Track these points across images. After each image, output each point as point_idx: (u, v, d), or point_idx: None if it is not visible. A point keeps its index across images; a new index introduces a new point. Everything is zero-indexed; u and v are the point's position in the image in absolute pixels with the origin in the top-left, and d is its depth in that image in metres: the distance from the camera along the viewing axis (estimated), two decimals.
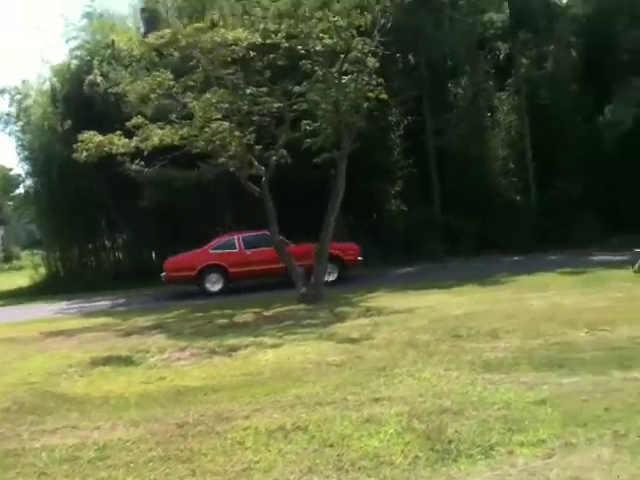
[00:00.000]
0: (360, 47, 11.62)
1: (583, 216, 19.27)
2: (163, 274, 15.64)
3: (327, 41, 10.61)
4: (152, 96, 11.59)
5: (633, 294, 9.99)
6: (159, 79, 11.43)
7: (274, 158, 11.87)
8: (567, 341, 6.64)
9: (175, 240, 20.94)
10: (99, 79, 17.47)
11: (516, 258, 18.21)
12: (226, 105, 10.64)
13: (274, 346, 7.31)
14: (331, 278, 14.77)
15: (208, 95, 10.59)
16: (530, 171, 20.63)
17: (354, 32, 11.02)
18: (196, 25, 10.16)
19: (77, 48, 21.73)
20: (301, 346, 7.15)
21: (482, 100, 20.72)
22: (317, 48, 10.68)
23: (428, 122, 20.19)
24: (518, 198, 20.84)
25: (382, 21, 12.68)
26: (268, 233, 13.57)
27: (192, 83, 10.86)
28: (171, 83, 11.46)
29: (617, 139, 18.84)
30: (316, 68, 11.20)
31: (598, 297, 9.87)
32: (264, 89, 10.93)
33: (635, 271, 12.86)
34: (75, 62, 21.32)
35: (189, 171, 15.31)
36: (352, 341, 7.26)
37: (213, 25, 10.60)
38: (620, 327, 7.16)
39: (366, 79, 12.02)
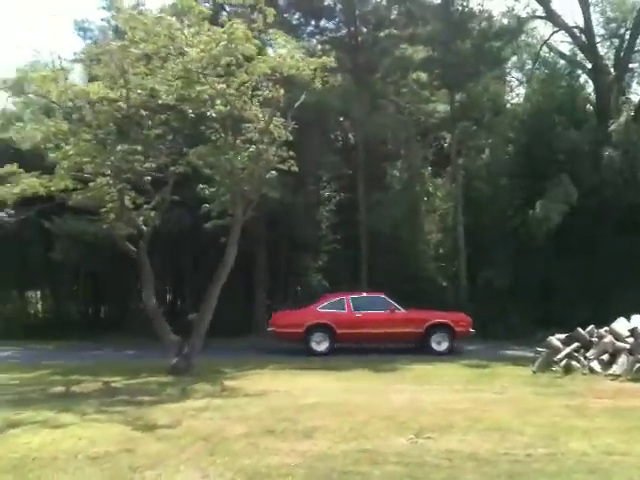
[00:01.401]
0: (265, 119, 11.46)
1: (510, 308, 19.03)
2: (271, 329, 15.38)
3: (219, 107, 10.36)
4: (45, 145, 11.17)
5: (506, 396, 9.44)
6: (52, 129, 11.03)
7: (150, 219, 11.36)
8: (377, 449, 5.98)
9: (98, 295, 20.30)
10: None
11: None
12: (87, 159, 10.21)
13: (58, 426, 6.53)
14: (441, 348, 15.00)
15: (67, 147, 10.19)
16: (461, 259, 20.37)
17: (249, 101, 10.83)
18: (44, 73, 9.87)
19: None
20: (86, 429, 6.40)
21: (418, 185, 20.70)
22: (209, 113, 10.43)
23: (361, 200, 20.01)
24: (447, 285, 20.51)
25: (303, 97, 12.62)
26: (381, 296, 15.05)
27: (61, 135, 10.44)
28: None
29: (550, 235, 18.88)
30: (210, 132, 10.93)
31: (469, 396, 9.30)
32: (138, 147, 10.55)
33: (534, 371, 12.37)
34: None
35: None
36: (151, 428, 6.53)
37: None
38: (449, 436, 6.54)
39: (274, 150, 11.81)
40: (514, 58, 23.52)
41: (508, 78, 22.40)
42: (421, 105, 20.56)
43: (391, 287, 18.84)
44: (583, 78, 23.15)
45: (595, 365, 11.91)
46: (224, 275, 11.50)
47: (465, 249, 20.36)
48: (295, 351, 15.18)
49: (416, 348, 15.19)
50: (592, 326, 12.94)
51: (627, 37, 22.89)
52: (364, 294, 16.16)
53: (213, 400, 8.45)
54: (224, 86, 9.99)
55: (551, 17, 22.75)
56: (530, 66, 23.74)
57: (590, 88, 22.81)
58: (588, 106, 22.29)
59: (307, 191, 16.80)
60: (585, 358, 12.25)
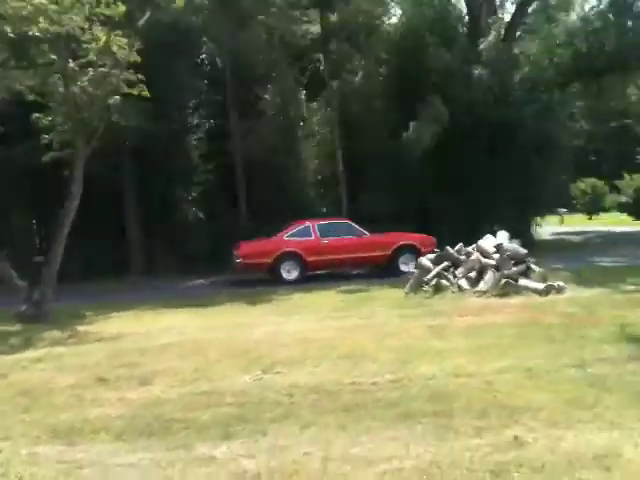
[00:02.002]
0: (105, 39, 10.26)
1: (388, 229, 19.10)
2: (239, 260, 14.94)
3: (44, 26, 9.06)
4: None
5: (371, 321, 9.29)
6: None
7: None
8: (216, 390, 5.53)
9: None
10: None
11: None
12: None
13: None
14: (409, 269, 14.81)
15: None
16: (341, 184, 20.11)
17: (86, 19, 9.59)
18: None
19: None
20: None
21: (292, 109, 19.96)
22: (32, 33, 9.11)
23: (233, 127, 19.07)
24: (327, 211, 20.26)
25: (147, 15, 11.42)
26: (347, 221, 15.74)
27: None
28: None
29: (425, 156, 18.91)
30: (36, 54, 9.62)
31: (333, 324, 9.04)
32: None
33: (406, 292, 12.40)
34: None
35: None
36: None
37: None
38: (300, 369, 6.19)
39: (116, 73, 10.65)
40: None
41: None
42: (292, 25, 19.55)
43: (272, 216, 18.60)
44: None
45: (463, 283, 12.03)
46: (71, 213, 10.50)
47: (344, 174, 20.09)
48: (176, 291, 14.60)
49: (384, 270, 15.45)
50: (460, 244, 13.08)
51: None
52: (330, 220, 16.31)
53: (54, 348, 7.70)
54: (44, 1, 8.70)
55: None
56: None
57: (464, 7, 22.67)
58: (460, 25, 22.18)
59: (170, 118, 15.68)
60: (455, 276, 12.41)
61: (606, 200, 42.68)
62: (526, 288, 11.39)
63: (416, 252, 15.39)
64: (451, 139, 19.13)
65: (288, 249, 15.17)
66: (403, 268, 15.45)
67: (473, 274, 12.10)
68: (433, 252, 15.18)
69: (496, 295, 11.24)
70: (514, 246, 12.33)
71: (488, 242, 12.78)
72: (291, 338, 7.80)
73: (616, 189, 41.73)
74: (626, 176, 41.40)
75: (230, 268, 15.69)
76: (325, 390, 5.31)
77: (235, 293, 13.51)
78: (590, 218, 42.63)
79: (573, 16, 24.14)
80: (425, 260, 12.99)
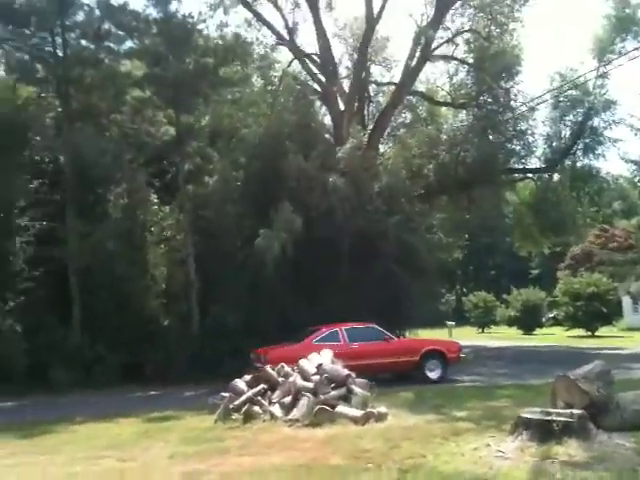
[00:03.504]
0: None
1: (243, 347, 17.51)
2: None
3: None
4: None
5: (126, 465, 7.56)
6: None
7: None
8: None
9: None
10: None
11: (153, 393, 15.97)
12: None
13: None
14: (434, 375, 15.03)
15: None
16: (192, 294, 18.54)
17: None
18: None
19: None
20: None
21: (141, 213, 18.60)
22: None
23: (71, 231, 17.38)
24: (175, 324, 18.49)
25: None
26: (374, 326, 15.47)
27: None
28: None
29: (283, 265, 17.82)
30: None
31: (71, 470, 7.25)
32: None
33: (216, 420, 10.69)
34: None
35: None
36: None
37: None
38: None
39: None
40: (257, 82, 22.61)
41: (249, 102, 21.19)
42: (144, 126, 18.62)
43: (110, 331, 16.72)
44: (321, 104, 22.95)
45: (276, 409, 10.48)
46: None
47: (196, 283, 18.59)
48: None
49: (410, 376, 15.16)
50: (282, 364, 11.63)
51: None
52: (358, 325, 15.88)
53: None
54: None
55: (291, 44, 22.49)
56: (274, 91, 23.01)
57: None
58: (324, 133, 22.02)
59: None
60: (270, 402, 10.85)
61: (496, 313, 42.94)
62: (343, 415, 9.97)
63: (443, 358, 15.31)
64: (309, 248, 18.25)
65: None
66: (429, 374, 15.22)
67: (288, 399, 10.58)
68: (459, 358, 15.71)
69: (308, 424, 9.77)
70: (335, 367, 10.98)
71: (311, 361, 11.40)
72: None
73: (505, 303, 42.19)
74: (514, 290, 42.12)
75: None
76: None
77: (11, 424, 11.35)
78: (482, 331, 42.60)
79: (436, 128, 24.61)
80: (240, 382, 11.41)
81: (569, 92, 24.12)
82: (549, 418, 7.46)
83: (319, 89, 22.68)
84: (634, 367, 15.96)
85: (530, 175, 26.11)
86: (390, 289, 18.97)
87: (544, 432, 7.32)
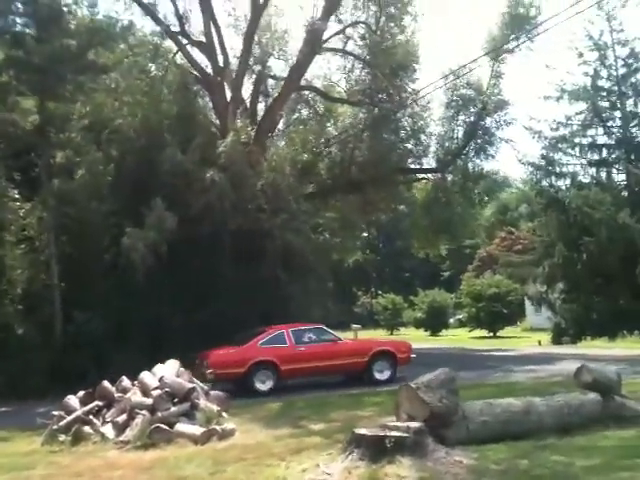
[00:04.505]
0: None
1: (110, 356, 16.05)
2: (210, 370, 13.37)
3: None
4: None
5: None
6: None
7: None
8: None
9: None
10: None
11: (4, 409, 14.24)
12: None
13: None
14: (384, 377, 14.46)
15: None
16: (56, 299, 16.86)
17: None
18: None
19: None
20: None
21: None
22: None
23: None
24: (34, 332, 16.74)
25: None
26: (321, 327, 15.09)
27: None
28: None
29: (156, 266, 16.48)
30: None
31: None
32: None
33: (43, 442, 9.34)
34: None
35: None
36: None
37: None
38: None
39: None
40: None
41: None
42: (7, 115, 16.83)
43: None
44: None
45: (108, 430, 9.27)
46: None
47: (60, 287, 16.94)
48: None
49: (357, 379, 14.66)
50: (122, 377, 10.38)
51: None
52: (304, 326, 15.30)
53: None
54: None
55: (180, 33, 21.18)
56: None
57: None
58: (210, 126, 20.85)
59: None
60: (104, 421, 9.59)
61: (404, 315, 42.85)
62: (181, 435, 8.87)
63: (393, 359, 14.80)
64: (187, 248, 17.06)
65: (262, 358, 14.11)
66: (377, 376, 14.62)
67: (123, 417, 9.36)
68: (409, 359, 14.98)
69: (141, 446, 8.63)
70: (178, 380, 9.85)
71: (155, 374, 10.21)
72: None
73: (412, 305, 42.16)
74: (420, 292, 42.14)
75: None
76: None
77: None
78: (391, 333, 42.38)
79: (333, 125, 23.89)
80: (73, 399, 10.09)
81: (463, 91, 23.99)
82: (383, 434, 6.65)
83: (206, 81, 21.43)
84: (516, 369, 15.68)
85: (426, 175, 25.85)
86: (276, 290, 18.03)
87: (377, 450, 6.50)
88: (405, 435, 6.58)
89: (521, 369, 15.70)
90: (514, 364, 17.11)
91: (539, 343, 25.38)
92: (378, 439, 6.55)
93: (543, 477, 5.91)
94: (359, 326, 35.37)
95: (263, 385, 14.10)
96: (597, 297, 25.87)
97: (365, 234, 54.64)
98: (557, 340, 25.28)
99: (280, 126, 25.69)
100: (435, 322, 39.79)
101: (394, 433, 6.60)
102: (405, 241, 33.66)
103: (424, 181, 26.26)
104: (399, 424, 6.95)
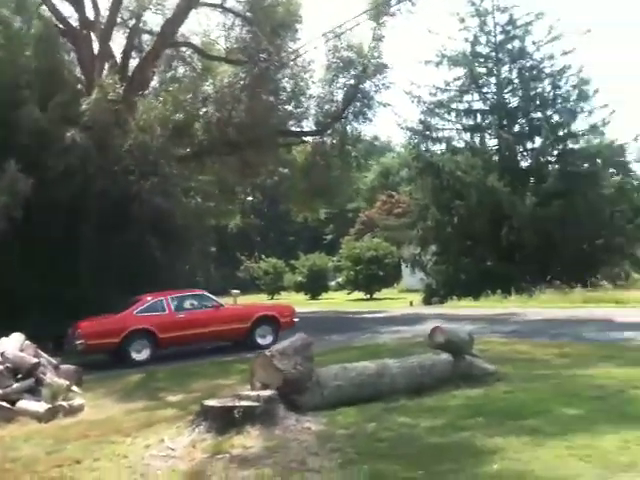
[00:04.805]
0: None
1: None
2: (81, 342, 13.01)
3: None
4: None
5: None
6: None
7: None
8: None
9: None
10: None
11: None
12: None
13: None
14: (266, 342, 13.75)
15: None
16: None
17: None
18: None
19: None
20: None
21: None
22: None
23: None
24: None
25: None
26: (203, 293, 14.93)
27: None
28: None
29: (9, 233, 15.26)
30: None
31: None
32: None
33: None
34: None
35: None
36: None
37: None
38: None
39: None
40: None
41: None
42: None
43: None
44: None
45: None
46: None
47: None
48: None
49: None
50: None
51: None
52: (184, 293, 14.94)
53: None
54: None
55: None
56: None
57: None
58: (75, 83, 19.41)
59: None
60: None
61: (285, 279, 42.97)
62: (23, 412, 8.26)
63: (276, 323, 14.67)
64: (46, 213, 15.91)
65: (138, 326, 13.63)
66: (260, 341, 14.25)
67: None
68: (293, 323, 14.78)
69: None
70: (20, 354, 9.14)
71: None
72: None
73: (293, 269, 42.31)
74: (301, 256, 42.34)
75: (68, 351, 13.30)
76: None
77: None
78: (272, 298, 42.41)
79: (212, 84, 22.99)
80: None
81: (344, 53, 23.81)
82: (232, 404, 6.45)
83: (72, 34, 19.85)
84: (383, 331, 16.06)
85: (306, 139, 25.65)
86: (144, 256, 17.25)
87: (225, 421, 6.30)
88: (255, 404, 6.42)
89: (389, 330, 16.07)
90: (383, 325, 17.54)
91: (410, 304, 26.27)
92: (226, 410, 6.35)
93: (387, 439, 5.96)
94: (238, 291, 35.06)
95: (139, 355, 13.64)
96: (466, 258, 27.20)
97: (250, 198, 54.33)
98: (428, 300, 26.30)
99: (156, 84, 24.51)
100: (315, 285, 40.20)
101: (243, 403, 6.43)
102: (288, 205, 33.38)
103: (304, 144, 26.04)
104: (251, 393, 6.79)
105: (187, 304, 14.59)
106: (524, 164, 29.92)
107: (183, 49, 24.99)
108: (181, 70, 25.59)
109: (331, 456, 5.50)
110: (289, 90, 24.09)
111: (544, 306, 20.20)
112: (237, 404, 6.39)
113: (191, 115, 20.36)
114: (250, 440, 6.02)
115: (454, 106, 30.87)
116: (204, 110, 21.82)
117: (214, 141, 21.49)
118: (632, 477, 4.61)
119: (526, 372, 8.81)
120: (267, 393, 6.63)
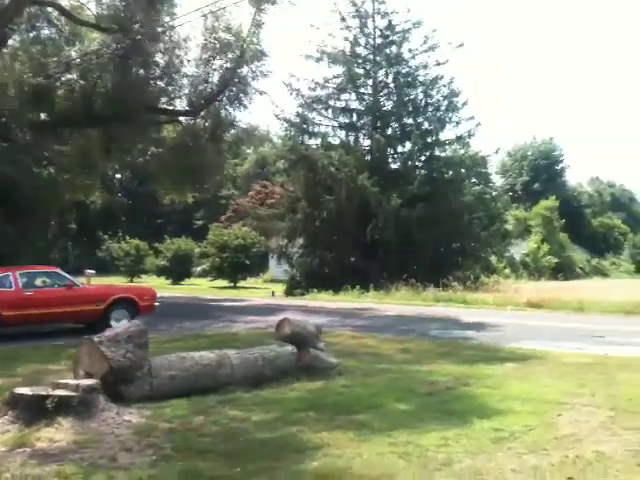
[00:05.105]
0: None
1: None
2: None
3: None
4: None
5: None
6: None
7: None
8: None
9: None
10: None
11: None
12: None
13: None
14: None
15: None
16: None
17: None
18: None
19: None
20: None
21: None
22: None
23: None
24: None
25: None
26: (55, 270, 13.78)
27: None
28: None
29: None
30: None
31: None
32: None
33: None
34: None
35: None
36: None
37: None
38: None
39: None
40: None
41: None
42: None
43: None
44: None
45: None
46: None
47: None
48: None
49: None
50: None
51: None
52: (35, 269, 13.86)
53: None
54: None
55: None
56: None
57: None
58: None
59: None
60: None
61: (147, 262, 41.46)
62: None
63: (134, 306, 13.66)
64: None
65: None
66: (115, 325, 12.45)
67: None
68: (153, 307, 13.98)
69: None
70: None
71: None
72: None
73: (157, 252, 40.94)
74: (168, 239, 41.05)
75: None
76: None
77: None
78: (131, 280, 40.68)
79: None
80: None
81: (222, 35, 23.14)
82: (45, 393, 5.86)
83: None
84: (239, 320, 15.72)
85: (179, 118, 24.71)
86: None
87: (35, 411, 5.69)
88: (72, 394, 5.87)
89: (244, 319, 15.79)
90: (241, 315, 17.23)
91: (272, 294, 26.22)
92: (38, 399, 5.75)
93: (212, 434, 5.64)
94: (93, 272, 33.11)
95: None
96: (331, 253, 27.60)
97: (118, 175, 51.80)
98: (290, 292, 26.40)
99: (17, 44, 22.51)
100: (179, 270, 39.21)
101: (58, 392, 5.86)
102: (155, 186, 32.07)
103: (176, 124, 25.07)
104: (70, 382, 6.21)
105: (37, 281, 13.40)
106: (394, 166, 30.90)
107: (49, 9, 23.17)
108: (46, 32, 23.72)
109: (146, 452, 5.11)
110: (162, 66, 23.05)
111: (398, 303, 20.84)
112: (51, 393, 5.81)
113: (53, 80, 18.85)
114: (60, 433, 5.48)
115: (332, 103, 31.32)
116: (67, 77, 20.32)
117: (76, 110, 20.07)
118: (445, 477, 4.63)
119: (369, 366, 8.88)
120: (88, 382, 6.11)
